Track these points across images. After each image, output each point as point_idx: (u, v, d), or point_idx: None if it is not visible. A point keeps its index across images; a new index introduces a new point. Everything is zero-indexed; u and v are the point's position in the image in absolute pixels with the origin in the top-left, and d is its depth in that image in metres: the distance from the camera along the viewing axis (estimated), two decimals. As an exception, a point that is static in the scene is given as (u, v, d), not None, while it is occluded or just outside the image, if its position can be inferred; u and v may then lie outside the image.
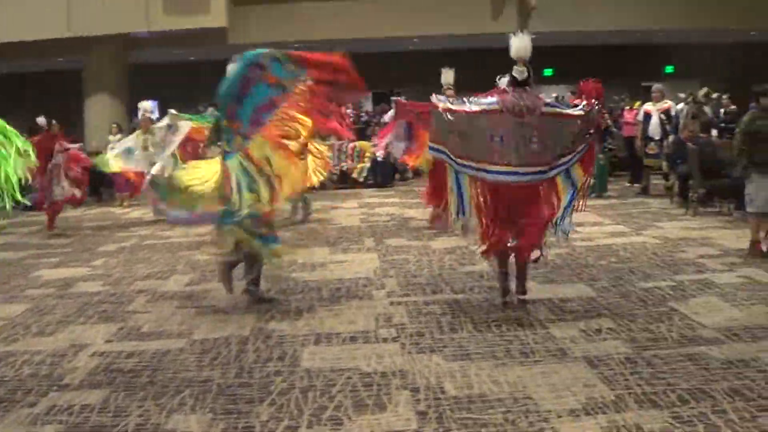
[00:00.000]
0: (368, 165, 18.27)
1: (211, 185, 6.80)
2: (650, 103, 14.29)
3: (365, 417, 4.43)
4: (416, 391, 4.78)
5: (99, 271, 9.06)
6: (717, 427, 4.09)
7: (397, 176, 18.98)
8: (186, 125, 12.49)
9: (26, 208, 14.89)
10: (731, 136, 12.23)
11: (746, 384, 4.67)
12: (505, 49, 6.57)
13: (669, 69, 26.89)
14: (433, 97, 6.70)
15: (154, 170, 12.58)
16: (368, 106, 26.05)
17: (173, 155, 12.37)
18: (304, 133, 7.13)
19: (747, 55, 24.01)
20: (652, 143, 14.00)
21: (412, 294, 7.31)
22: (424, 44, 23.81)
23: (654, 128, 13.92)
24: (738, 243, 8.99)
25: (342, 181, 18.25)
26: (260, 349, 5.75)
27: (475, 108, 6.40)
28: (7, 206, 5.57)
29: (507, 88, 6.51)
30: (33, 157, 5.83)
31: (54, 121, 12.41)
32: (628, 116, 16.31)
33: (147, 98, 15.04)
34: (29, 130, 11.29)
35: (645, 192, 14.57)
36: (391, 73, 24.43)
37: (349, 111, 22.20)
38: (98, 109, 20.54)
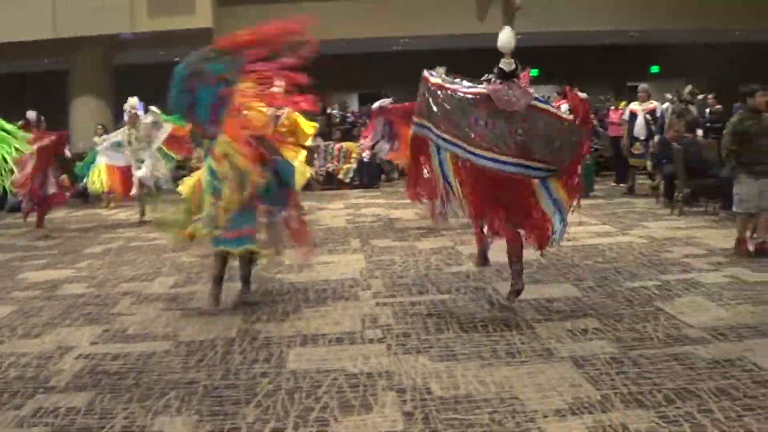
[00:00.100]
0: (354, 166, 18.34)
1: (188, 195, 6.81)
2: (636, 103, 14.31)
3: (351, 418, 4.42)
4: (402, 391, 4.77)
5: (84, 273, 9.02)
6: (703, 426, 4.10)
7: (383, 177, 18.99)
8: (168, 125, 12.60)
9: (12, 210, 14.97)
10: (717, 136, 12.30)
11: (732, 383, 4.68)
12: (493, 50, 6.59)
13: (655, 69, 27.02)
14: (425, 72, 6.60)
15: (141, 173, 12.67)
16: (354, 107, 26.08)
17: (159, 149, 12.76)
18: (265, 119, 7.02)
19: (732, 54, 24.11)
20: (638, 143, 14.05)
21: (399, 295, 7.30)
22: (411, 45, 23.81)
23: (639, 128, 13.95)
24: (724, 242, 9.03)
25: (328, 182, 18.27)
26: (246, 351, 5.74)
27: (464, 90, 6.38)
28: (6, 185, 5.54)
29: (496, 80, 6.50)
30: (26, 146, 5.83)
31: (42, 118, 12.54)
32: (613, 116, 16.40)
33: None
34: (22, 126, 11.32)
35: (631, 192, 14.60)
36: (378, 73, 24.43)
37: (335, 112, 22.32)
38: (84, 110, 20.49)
